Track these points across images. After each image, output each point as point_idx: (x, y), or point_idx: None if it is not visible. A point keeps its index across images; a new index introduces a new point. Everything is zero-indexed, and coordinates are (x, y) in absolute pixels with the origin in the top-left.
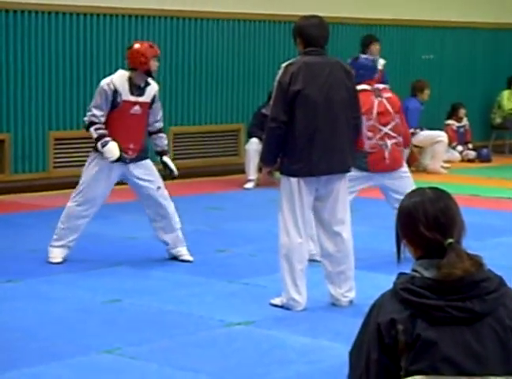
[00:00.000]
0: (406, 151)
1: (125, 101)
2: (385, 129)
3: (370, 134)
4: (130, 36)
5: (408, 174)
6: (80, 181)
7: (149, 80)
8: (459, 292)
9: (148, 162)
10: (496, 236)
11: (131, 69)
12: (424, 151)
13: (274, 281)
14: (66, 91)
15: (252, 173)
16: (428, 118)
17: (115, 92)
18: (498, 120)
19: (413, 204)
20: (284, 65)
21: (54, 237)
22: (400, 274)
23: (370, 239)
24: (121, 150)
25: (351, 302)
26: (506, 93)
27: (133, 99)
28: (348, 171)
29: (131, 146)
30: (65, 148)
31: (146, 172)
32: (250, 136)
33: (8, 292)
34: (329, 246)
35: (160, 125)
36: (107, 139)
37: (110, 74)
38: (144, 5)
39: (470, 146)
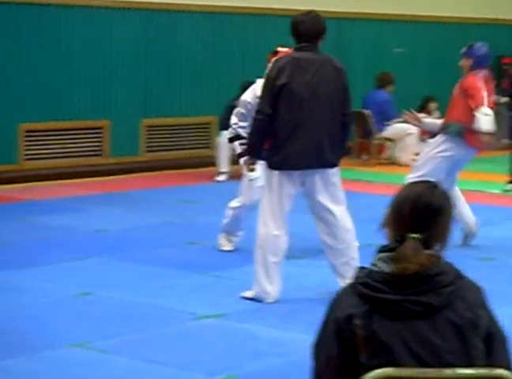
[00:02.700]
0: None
1: None
2: None
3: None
4: (98, 28)
5: None
6: None
7: None
8: (414, 286)
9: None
10: None
11: None
12: (395, 144)
13: (246, 273)
14: (38, 82)
15: (224, 165)
16: (400, 111)
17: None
18: None
19: (403, 196)
20: (273, 59)
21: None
22: (360, 268)
23: None
24: None
25: None
26: None
27: None
28: (331, 167)
29: None
30: (37, 140)
31: None
32: (222, 128)
33: None
34: (328, 239)
35: None
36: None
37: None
38: None
39: None
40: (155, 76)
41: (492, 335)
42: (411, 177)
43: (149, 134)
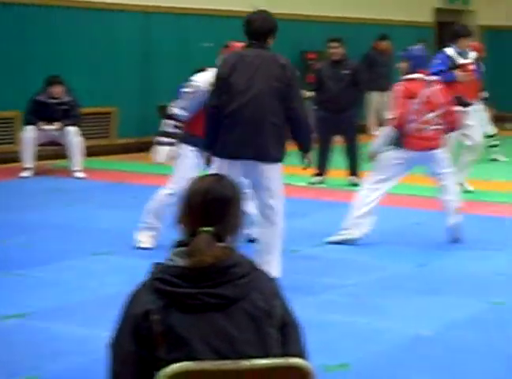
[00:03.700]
0: None
1: None
2: (430, 115)
3: (414, 117)
4: None
5: (445, 155)
6: (178, 175)
7: None
8: (210, 279)
9: None
10: None
11: None
12: None
13: (50, 271)
14: None
15: (28, 161)
16: None
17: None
18: None
19: (192, 190)
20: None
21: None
22: (156, 263)
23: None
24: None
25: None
26: None
27: None
28: (272, 161)
29: None
30: None
31: None
32: (25, 123)
33: None
34: (260, 233)
35: None
36: (175, 141)
37: None
38: None
39: None
40: None
41: (287, 325)
42: None
43: None
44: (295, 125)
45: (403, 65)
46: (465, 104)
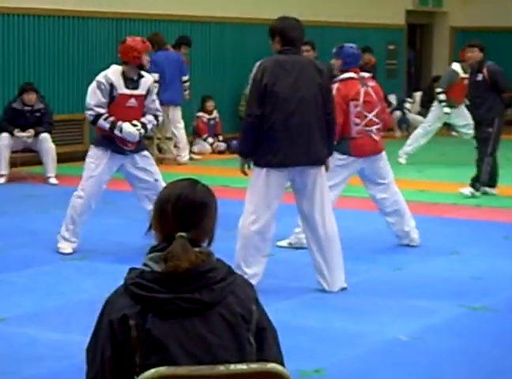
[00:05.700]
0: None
1: (121, 94)
2: (370, 116)
3: (357, 120)
4: None
5: (386, 159)
6: (84, 177)
7: (142, 72)
8: (186, 284)
9: (146, 153)
10: None
11: (124, 62)
12: (170, 141)
13: (24, 277)
14: None
15: (3, 168)
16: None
17: (111, 86)
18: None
19: (164, 196)
20: (258, 63)
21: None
22: (131, 269)
23: (124, 232)
24: (120, 142)
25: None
26: None
27: (128, 92)
28: (320, 164)
29: None
30: None
31: (145, 164)
32: (0, 130)
33: None
34: (310, 237)
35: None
36: (120, 123)
37: None
38: None
39: (220, 138)
40: None
41: (263, 330)
42: None
43: None
44: (330, 130)
45: (336, 62)
46: None
